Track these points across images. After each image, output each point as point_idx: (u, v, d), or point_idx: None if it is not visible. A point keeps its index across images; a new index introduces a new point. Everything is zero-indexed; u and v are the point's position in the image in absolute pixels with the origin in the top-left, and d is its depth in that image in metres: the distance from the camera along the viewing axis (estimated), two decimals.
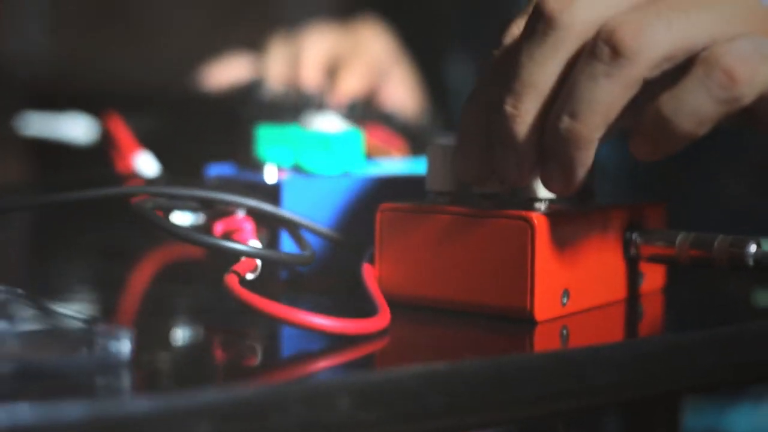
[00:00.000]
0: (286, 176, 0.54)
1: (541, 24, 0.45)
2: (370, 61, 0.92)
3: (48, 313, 0.41)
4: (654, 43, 0.44)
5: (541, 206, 0.48)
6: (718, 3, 0.46)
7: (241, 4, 1.89)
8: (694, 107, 0.44)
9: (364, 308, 0.45)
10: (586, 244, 0.49)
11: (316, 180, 0.54)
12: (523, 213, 0.46)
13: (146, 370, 0.38)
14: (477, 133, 0.47)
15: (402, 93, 0.95)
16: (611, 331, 0.48)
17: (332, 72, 0.87)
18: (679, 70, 0.45)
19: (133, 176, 0.69)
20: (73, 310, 0.42)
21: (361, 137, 0.60)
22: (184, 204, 0.53)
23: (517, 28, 0.47)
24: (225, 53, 0.95)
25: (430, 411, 0.38)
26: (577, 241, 0.48)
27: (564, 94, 0.44)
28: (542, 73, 0.45)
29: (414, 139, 0.74)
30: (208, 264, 0.58)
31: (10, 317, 0.41)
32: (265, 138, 0.59)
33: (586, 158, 0.45)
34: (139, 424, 0.33)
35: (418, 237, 0.48)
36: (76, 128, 0.86)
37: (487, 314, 0.46)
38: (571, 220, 0.48)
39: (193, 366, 0.41)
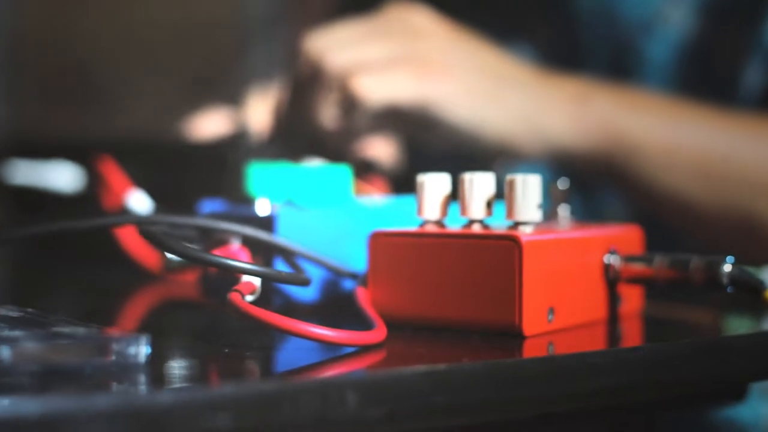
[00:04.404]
0: (279, 208, 0.57)
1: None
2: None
3: (62, 326, 0.43)
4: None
5: (527, 228, 0.50)
6: None
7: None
8: None
9: (360, 326, 0.48)
10: (569, 266, 0.51)
11: (309, 211, 0.57)
12: (512, 233, 0.49)
13: (162, 371, 0.40)
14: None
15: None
16: (594, 344, 0.51)
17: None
18: None
19: (125, 213, 0.71)
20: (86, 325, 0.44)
21: (350, 173, 0.62)
22: (182, 234, 0.55)
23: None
24: (204, 108, 0.97)
25: (431, 408, 0.40)
26: (561, 263, 0.51)
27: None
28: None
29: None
30: (201, 300, 0.60)
31: (28, 328, 0.42)
32: (256, 175, 0.61)
33: None
34: (163, 415, 0.35)
35: (410, 260, 0.51)
36: (62, 176, 0.88)
37: (478, 331, 0.49)
38: (555, 242, 0.51)
39: (208, 368, 0.43)
